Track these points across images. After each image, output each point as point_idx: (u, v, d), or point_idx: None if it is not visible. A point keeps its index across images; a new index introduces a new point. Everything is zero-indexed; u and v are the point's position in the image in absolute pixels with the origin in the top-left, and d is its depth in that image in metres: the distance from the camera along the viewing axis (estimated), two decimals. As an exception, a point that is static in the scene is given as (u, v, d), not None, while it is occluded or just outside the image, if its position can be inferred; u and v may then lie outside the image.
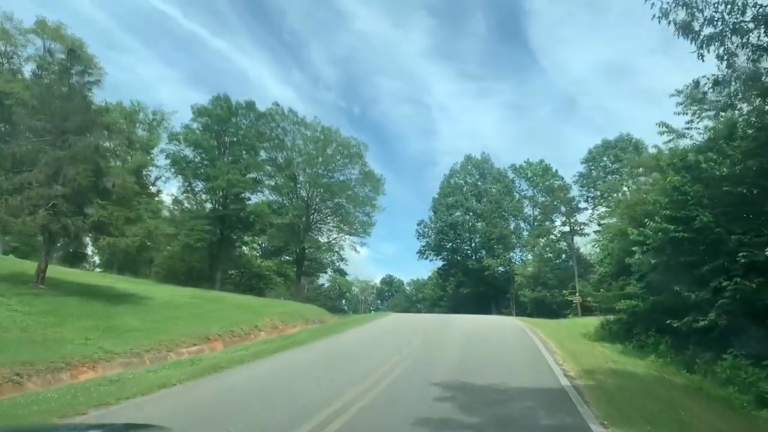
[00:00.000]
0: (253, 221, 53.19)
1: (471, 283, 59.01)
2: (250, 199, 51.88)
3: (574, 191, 50.65)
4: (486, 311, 59.58)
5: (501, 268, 56.74)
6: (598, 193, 49.30)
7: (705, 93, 12.60)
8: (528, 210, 62.72)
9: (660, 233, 14.67)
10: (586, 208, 48.82)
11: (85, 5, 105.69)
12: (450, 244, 63.08)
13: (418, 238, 66.78)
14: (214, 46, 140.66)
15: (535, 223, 59.30)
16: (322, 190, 52.01)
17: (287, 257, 54.52)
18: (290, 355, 13.15)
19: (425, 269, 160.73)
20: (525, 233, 58.78)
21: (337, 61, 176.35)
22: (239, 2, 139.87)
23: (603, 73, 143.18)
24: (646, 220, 15.82)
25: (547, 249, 50.32)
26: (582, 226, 46.67)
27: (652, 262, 15.37)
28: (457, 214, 60.73)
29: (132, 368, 10.69)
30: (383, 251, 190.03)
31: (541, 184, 59.67)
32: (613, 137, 50.86)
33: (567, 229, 47.60)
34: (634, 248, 16.94)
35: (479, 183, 63.33)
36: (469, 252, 64.38)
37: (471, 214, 60.57)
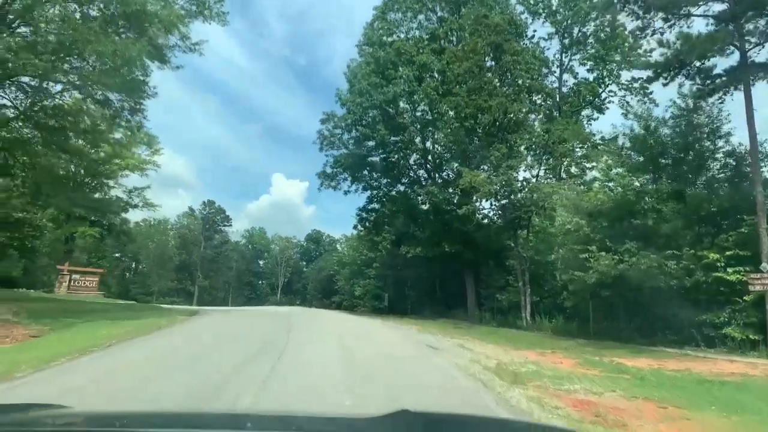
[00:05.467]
0: None
1: (427, 238, 26.72)
2: None
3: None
4: (455, 301, 27.61)
5: (493, 203, 24.12)
6: None
7: None
8: (552, 80, 29.94)
9: None
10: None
11: None
12: (381, 154, 29.65)
13: (321, 149, 33.12)
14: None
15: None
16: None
17: None
18: None
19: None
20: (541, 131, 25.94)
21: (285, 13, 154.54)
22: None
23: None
24: None
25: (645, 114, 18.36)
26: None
27: None
28: (399, 81, 26.84)
29: None
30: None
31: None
32: None
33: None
34: None
35: (451, 18, 29.34)
36: (420, 169, 31.28)
37: (428, 81, 26.92)
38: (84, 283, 37.19)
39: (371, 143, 30.74)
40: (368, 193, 34.34)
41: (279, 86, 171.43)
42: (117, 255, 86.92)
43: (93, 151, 43.16)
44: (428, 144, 31.07)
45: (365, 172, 33.13)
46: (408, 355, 11.27)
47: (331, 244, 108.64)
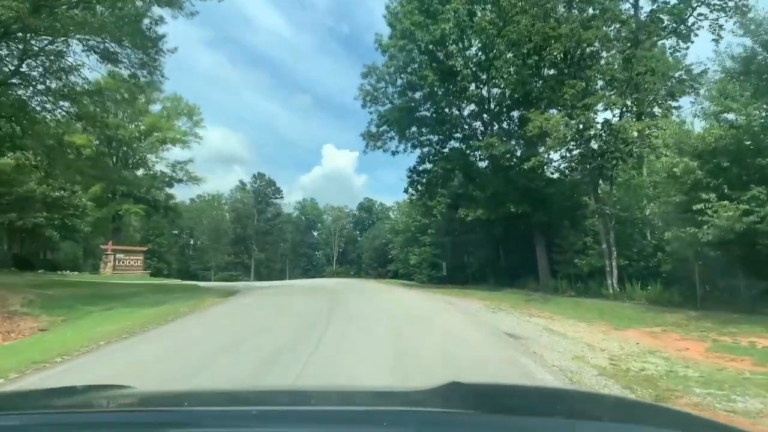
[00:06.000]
0: None
1: (488, 198, 23.64)
2: None
3: None
4: (523, 268, 24.76)
5: (565, 153, 20.25)
6: None
7: None
8: (626, 7, 25.00)
9: None
10: None
11: None
12: (431, 106, 26.17)
13: (364, 106, 29.95)
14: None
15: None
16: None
17: None
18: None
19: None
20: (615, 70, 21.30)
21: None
22: None
23: None
24: None
25: None
26: None
27: None
28: (447, 16, 22.93)
29: None
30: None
31: None
32: None
33: None
34: None
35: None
36: (475, 121, 27.71)
37: (480, 15, 22.90)
38: (129, 262, 36.16)
39: (419, 94, 27.17)
40: (418, 151, 30.88)
41: (324, 56, 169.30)
42: (175, 232, 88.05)
43: (128, 123, 42.14)
44: (484, 91, 27.02)
45: (414, 128, 29.60)
46: (486, 354, 8.14)
47: (383, 212, 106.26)
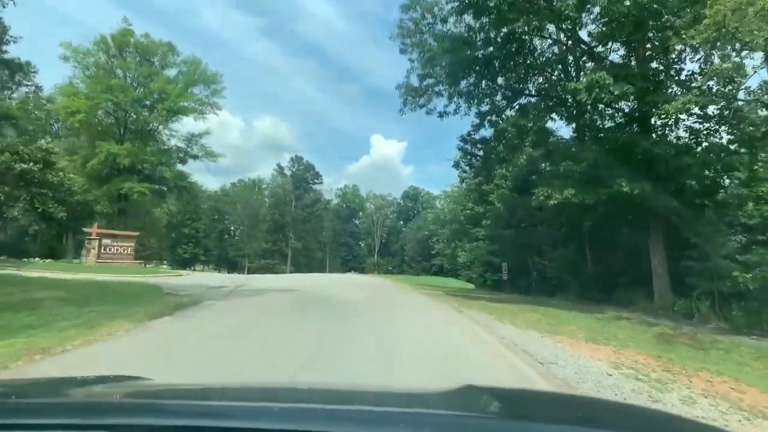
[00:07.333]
0: None
1: (583, 174, 14.70)
2: None
3: None
4: (625, 276, 16.30)
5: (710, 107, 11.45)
6: None
7: None
8: None
9: None
10: None
11: None
12: (495, 48, 17.78)
13: (404, 51, 22.18)
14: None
15: None
16: None
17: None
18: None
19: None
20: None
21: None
22: None
23: None
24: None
25: None
26: None
27: None
28: None
29: None
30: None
31: None
32: None
33: None
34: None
35: None
36: (557, 65, 19.07)
37: None
38: (117, 249, 29.64)
39: (479, 23, 18.64)
40: (475, 109, 22.27)
41: (374, 47, 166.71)
42: (215, 217, 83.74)
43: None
44: (584, 17, 17.99)
45: (471, 78, 21.10)
46: None
47: (429, 201, 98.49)
